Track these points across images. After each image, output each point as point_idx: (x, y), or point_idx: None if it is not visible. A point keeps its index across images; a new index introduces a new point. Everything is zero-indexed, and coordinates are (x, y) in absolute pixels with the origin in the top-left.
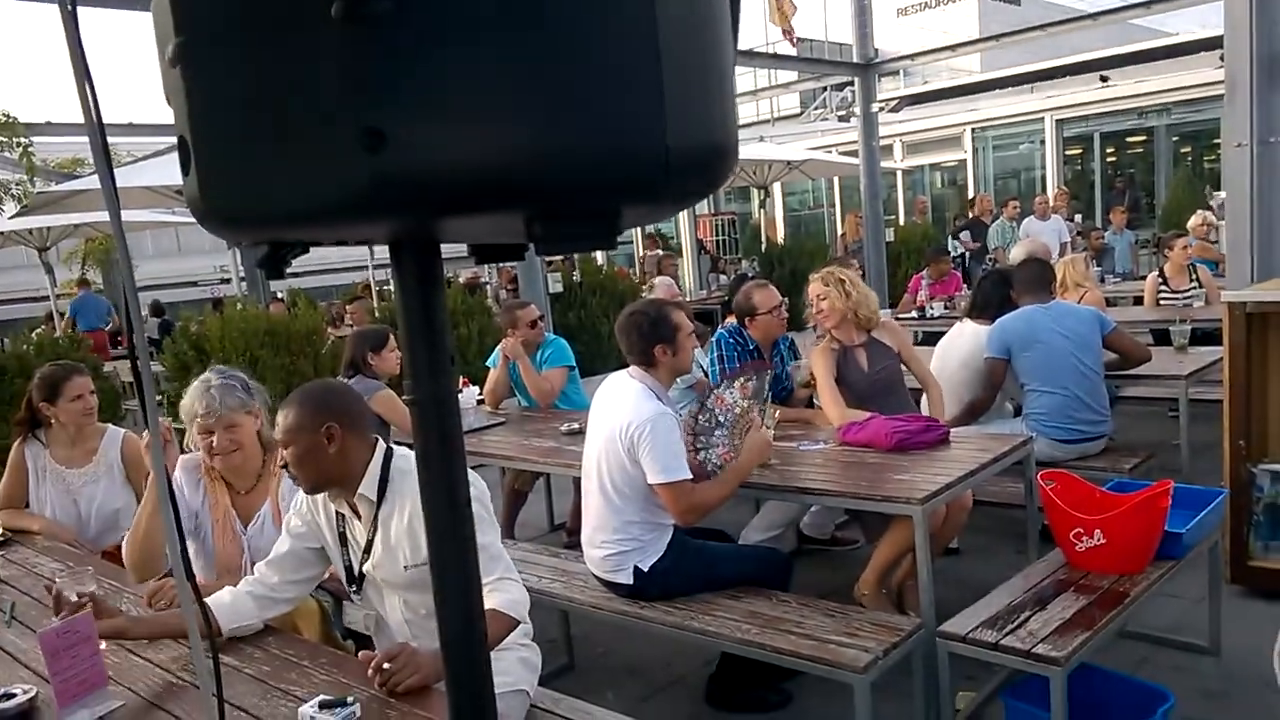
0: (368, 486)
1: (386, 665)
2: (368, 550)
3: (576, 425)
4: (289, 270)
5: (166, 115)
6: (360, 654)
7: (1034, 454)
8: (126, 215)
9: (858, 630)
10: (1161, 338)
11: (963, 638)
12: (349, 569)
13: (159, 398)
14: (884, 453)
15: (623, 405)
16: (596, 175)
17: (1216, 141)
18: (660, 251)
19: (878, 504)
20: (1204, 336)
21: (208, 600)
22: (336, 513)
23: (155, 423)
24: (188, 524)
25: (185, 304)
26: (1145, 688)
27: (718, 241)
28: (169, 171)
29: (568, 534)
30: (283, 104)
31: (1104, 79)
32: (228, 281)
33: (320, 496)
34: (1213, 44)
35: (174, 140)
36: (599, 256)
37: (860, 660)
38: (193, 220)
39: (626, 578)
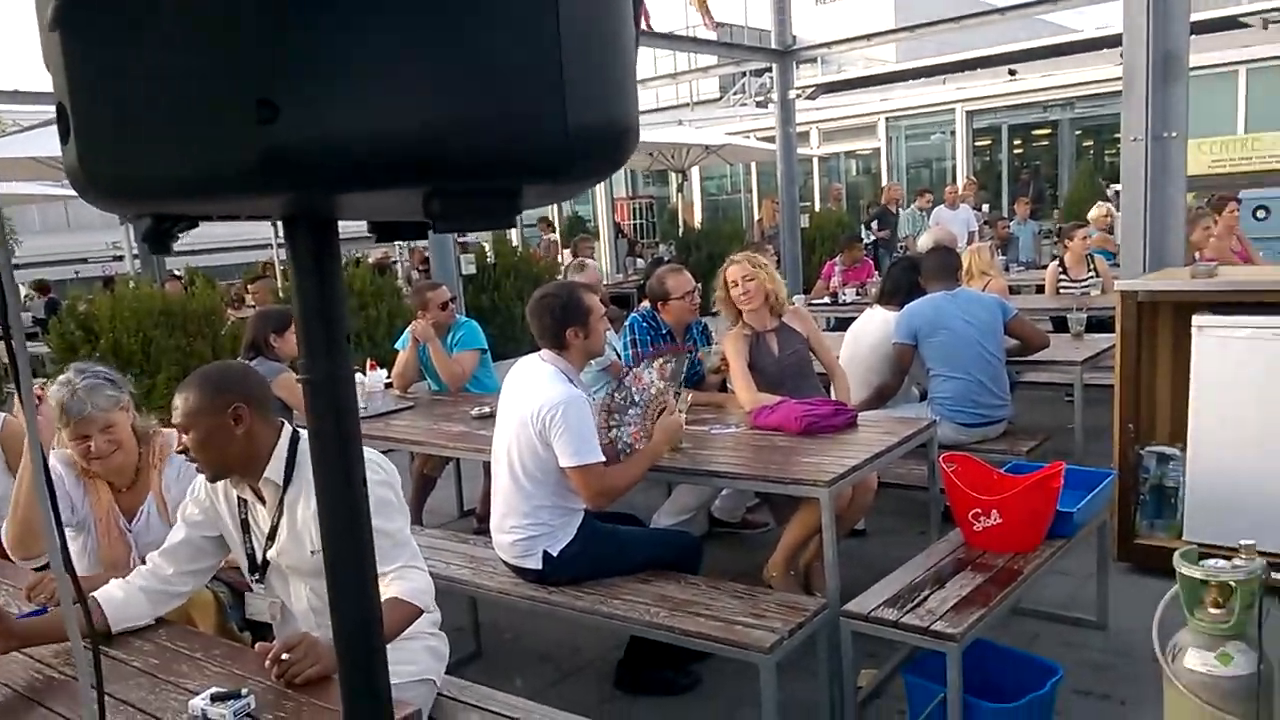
0: (273, 470)
1: (285, 656)
2: (272, 536)
3: (487, 409)
4: (187, 248)
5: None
6: (257, 645)
7: (937, 437)
8: (11, 187)
9: (765, 611)
10: (1061, 325)
11: (865, 617)
12: (251, 557)
13: (42, 380)
14: (793, 436)
15: (534, 388)
16: (497, 152)
17: (1116, 135)
18: (553, 235)
19: (786, 486)
20: (1100, 324)
21: (97, 595)
22: (239, 499)
23: (31, 406)
24: (71, 517)
25: (75, 282)
26: (1036, 662)
27: (635, 225)
28: (57, 142)
29: (478, 520)
30: (168, 71)
31: (1012, 73)
32: (121, 259)
33: (221, 482)
34: (1114, 41)
35: None
36: (514, 237)
37: (766, 641)
38: None
39: (536, 563)
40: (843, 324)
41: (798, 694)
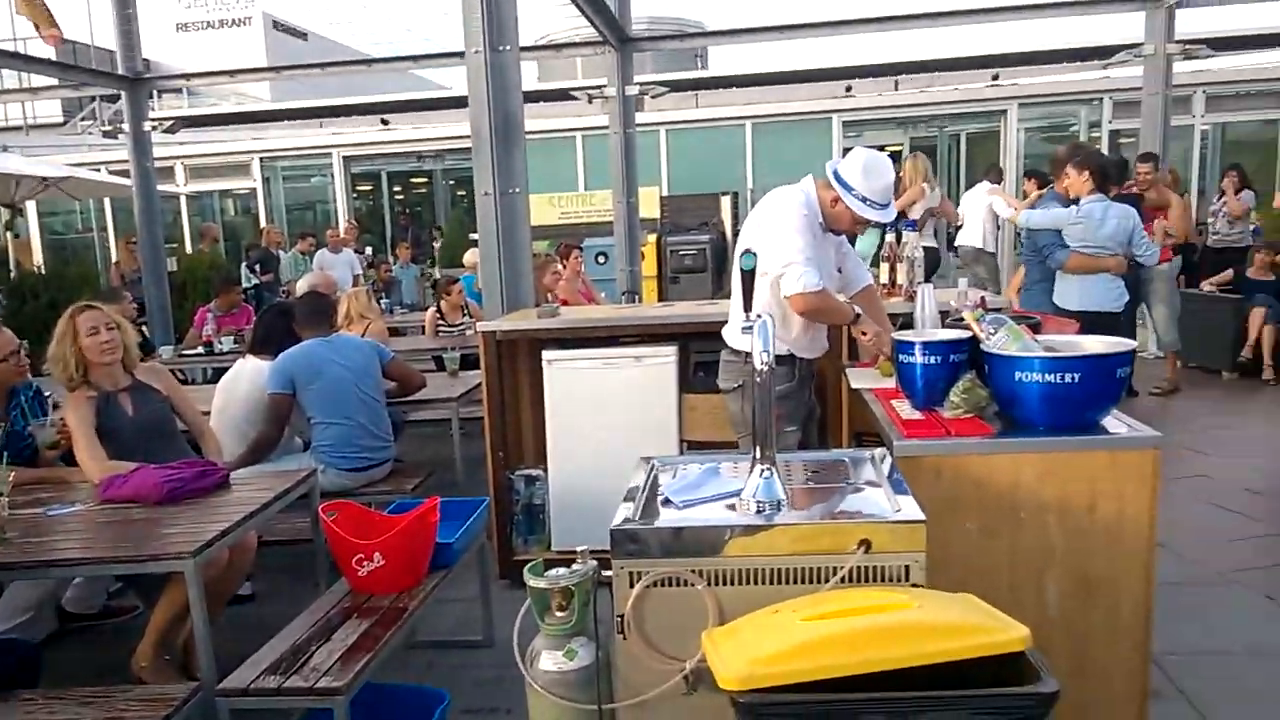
0: None
1: None
2: None
3: None
4: None
5: None
6: None
7: (320, 486)
8: None
9: (123, 713)
10: (442, 364)
11: (245, 690)
12: None
13: None
14: (154, 506)
15: None
16: None
17: None
18: None
19: (144, 564)
20: (476, 362)
21: None
22: None
23: None
24: None
25: None
26: (424, 692)
27: None
28: None
29: None
30: None
31: (385, 122)
32: None
33: None
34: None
35: None
36: None
37: None
38: None
39: None
40: (222, 375)
41: None
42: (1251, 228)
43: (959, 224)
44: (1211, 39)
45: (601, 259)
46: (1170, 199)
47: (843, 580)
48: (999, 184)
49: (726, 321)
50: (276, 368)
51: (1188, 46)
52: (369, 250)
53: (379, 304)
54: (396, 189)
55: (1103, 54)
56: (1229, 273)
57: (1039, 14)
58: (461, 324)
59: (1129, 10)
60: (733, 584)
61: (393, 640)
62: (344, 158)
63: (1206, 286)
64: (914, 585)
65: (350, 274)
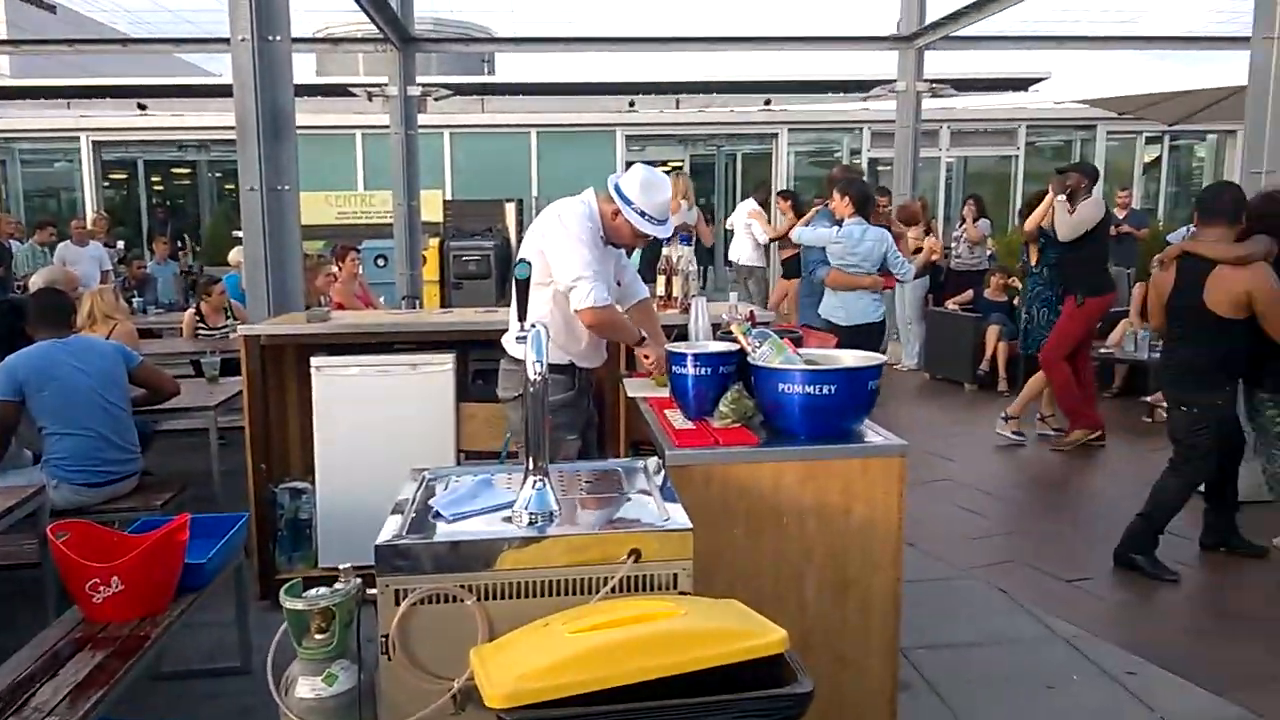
0: None
1: None
2: None
3: None
4: None
5: None
6: None
7: (52, 503)
8: None
9: None
10: (201, 369)
11: None
12: None
13: None
14: None
15: None
16: None
17: None
18: None
19: None
20: (238, 367)
21: None
22: None
23: None
24: None
25: None
26: None
27: None
28: None
29: None
30: None
31: (142, 107)
32: None
33: None
34: None
35: None
36: None
37: None
38: None
39: None
40: None
41: None
42: (988, 253)
43: (710, 244)
44: (955, 80)
45: (381, 262)
46: (903, 233)
47: (614, 590)
48: (764, 202)
49: (507, 329)
50: (2, 371)
51: (934, 85)
52: (121, 244)
53: (130, 303)
54: (155, 179)
55: (862, 87)
56: (969, 293)
57: (806, 46)
58: (224, 327)
59: (884, 49)
60: (505, 598)
61: (132, 672)
62: (94, 142)
63: (950, 305)
64: (682, 593)
65: (98, 269)
